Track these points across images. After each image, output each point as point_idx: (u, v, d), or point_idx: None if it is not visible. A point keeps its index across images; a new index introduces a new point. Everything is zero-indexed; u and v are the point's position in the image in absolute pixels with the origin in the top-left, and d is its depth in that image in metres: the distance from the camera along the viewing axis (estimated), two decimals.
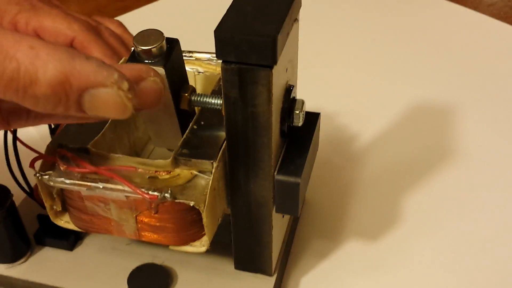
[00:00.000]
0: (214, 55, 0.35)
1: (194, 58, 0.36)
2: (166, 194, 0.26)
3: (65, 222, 0.31)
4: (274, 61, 0.24)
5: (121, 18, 0.65)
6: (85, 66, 0.21)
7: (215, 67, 0.36)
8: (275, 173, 0.28)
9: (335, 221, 0.40)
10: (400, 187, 0.43)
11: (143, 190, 0.26)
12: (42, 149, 0.31)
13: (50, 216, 0.30)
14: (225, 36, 0.24)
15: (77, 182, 0.27)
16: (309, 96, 0.35)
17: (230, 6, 0.26)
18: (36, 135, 0.45)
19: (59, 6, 0.48)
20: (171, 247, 0.30)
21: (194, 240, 0.29)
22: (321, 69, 0.55)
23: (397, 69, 0.56)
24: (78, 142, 0.29)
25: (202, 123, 0.30)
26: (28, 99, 0.20)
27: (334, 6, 0.66)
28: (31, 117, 0.23)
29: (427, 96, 0.52)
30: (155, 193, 0.26)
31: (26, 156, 0.34)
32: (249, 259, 0.33)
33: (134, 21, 0.56)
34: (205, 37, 0.50)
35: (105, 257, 0.34)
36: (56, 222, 0.31)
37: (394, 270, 0.37)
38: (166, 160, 0.28)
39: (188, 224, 0.29)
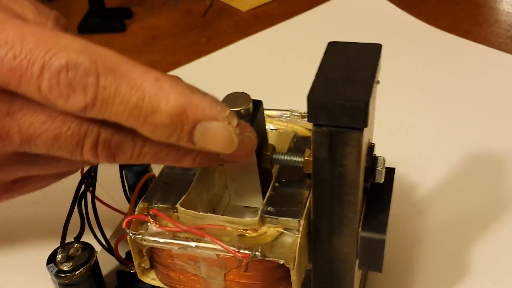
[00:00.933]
0: (284, 111, 0.37)
1: (265, 116, 0.37)
2: (256, 253, 0.27)
3: (151, 279, 0.31)
4: (365, 124, 0.25)
5: (173, 72, 0.68)
6: (202, 101, 0.23)
7: (286, 124, 0.37)
8: (359, 230, 0.29)
9: (403, 273, 0.40)
10: (466, 237, 0.43)
11: (234, 249, 0.27)
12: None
13: (138, 273, 0.31)
14: (319, 101, 0.25)
15: (170, 241, 0.28)
16: None
17: (318, 72, 0.27)
18: (105, 193, 0.46)
19: None
20: None
21: None
22: (376, 118, 0.56)
23: (452, 117, 0.56)
24: (166, 202, 0.30)
25: (283, 180, 0.31)
26: (147, 126, 0.23)
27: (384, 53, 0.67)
28: (134, 155, 0.25)
29: (484, 144, 0.52)
30: (246, 252, 0.27)
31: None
32: None
33: (186, 75, 0.58)
34: (254, 90, 0.52)
35: None
36: (143, 279, 0.32)
37: None
38: (253, 218, 0.29)
39: (274, 281, 0.29)
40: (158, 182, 0.32)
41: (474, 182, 0.48)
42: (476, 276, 0.40)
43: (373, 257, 0.29)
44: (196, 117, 0.23)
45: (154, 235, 0.29)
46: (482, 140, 0.53)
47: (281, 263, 0.28)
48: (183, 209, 0.29)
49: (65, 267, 0.32)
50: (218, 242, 0.27)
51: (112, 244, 0.36)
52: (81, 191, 0.33)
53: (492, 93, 0.59)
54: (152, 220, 0.29)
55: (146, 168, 0.40)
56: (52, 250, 0.34)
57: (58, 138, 0.23)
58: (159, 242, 0.29)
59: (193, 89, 0.23)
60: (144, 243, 0.29)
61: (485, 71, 0.63)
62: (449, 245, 0.42)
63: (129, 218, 0.29)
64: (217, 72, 0.69)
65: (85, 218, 0.33)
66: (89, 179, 0.33)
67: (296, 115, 0.37)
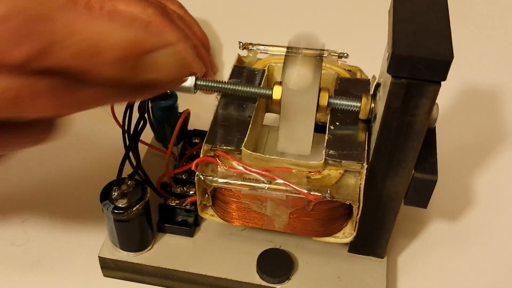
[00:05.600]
0: (322, 51, 0.38)
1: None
2: (326, 194, 0.29)
3: (210, 215, 0.33)
4: (445, 78, 0.26)
5: None
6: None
7: (324, 64, 0.37)
8: (413, 172, 0.31)
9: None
10: (468, 168, 0.47)
11: (306, 191, 0.29)
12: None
13: (198, 210, 0.33)
14: (404, 54, 0.26)
15: (242, 183, 0.29)
16: None
17: (394, 23, 0.28)
18: None
19: None
20: (314, 239, 0.32)
21: (336, 232, 0.32)
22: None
23: None
24: (229, 144, 0.31)
25: (337, 123, 0.33)
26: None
27: None
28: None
29: (477, 79, 0.55)
30: (317, 194, 0.29)
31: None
32: (366, 244, 0.36)
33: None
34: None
35: (226, 243, 0.37)
36: (202, 215, 0.33)
37: (477, 244, 0.41)
38: (318, 161, 0.30)
39: (335, 218, 0.31)
40: (216, 123, 0.32)
41: (467, 115, 0.52)
42: (482, 202, 0.44)
43: (422, 195, 0.32)
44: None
45: (224, 177, 0.30)
46: (472, 74, 0.56)
47: (348, 203, 0.30)
48: (248, 151, 0.30)
49: (121, 203, 0.33)
50: (291, 184, 0.29)
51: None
52: (138, 128, 0.33)
53: (482, 26, 0.62)
54: (220, 162, 0.30)
55: (174, 103, 0.40)
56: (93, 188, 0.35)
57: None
58: (230, 184, 0.30)
59: None
60: (215, 184, 0.30)
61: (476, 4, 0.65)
62: (454, 175, 0.46)
63: (198, 160, 0.30)
64: None
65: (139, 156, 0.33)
66: (144, 117, 0.33)
67: (334, 55, 0.37)
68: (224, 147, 0.31)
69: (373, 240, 0.35)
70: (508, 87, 0.54)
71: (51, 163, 0.44)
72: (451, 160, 0.47)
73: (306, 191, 0.29)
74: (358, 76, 0.37)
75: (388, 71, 0.27)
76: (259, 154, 0.30)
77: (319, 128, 0.35)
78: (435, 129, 0.34)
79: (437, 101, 0.28)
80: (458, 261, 0.40)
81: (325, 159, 0.30)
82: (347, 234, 0.32)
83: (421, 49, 0.26)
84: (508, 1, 0.66)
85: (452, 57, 0.26)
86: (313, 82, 0.30)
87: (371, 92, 0.34)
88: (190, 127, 0.41)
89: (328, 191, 0.29)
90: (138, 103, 0.34)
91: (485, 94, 0.54)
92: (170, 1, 0.55)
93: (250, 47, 0.38)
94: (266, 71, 0.36)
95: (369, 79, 0.36)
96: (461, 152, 0.48)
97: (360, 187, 0.30)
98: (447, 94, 0.53)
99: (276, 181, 0.29)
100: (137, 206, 0.33)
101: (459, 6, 0.65)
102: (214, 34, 0.59)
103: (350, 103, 0.32)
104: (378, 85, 0.32)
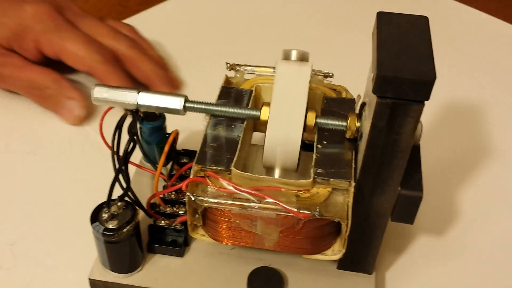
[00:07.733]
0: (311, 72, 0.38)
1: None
2: (315, 213, 0.29)
3: (201, 235, 0.33)
4: (428, 97, 0.27)
5: (145, 12, 0.66)
6: None
7: (310, 84, 0.38)
8: (399, 188, 0.32)
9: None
10: (452, 184, 0.48)
11: (296, 209, 0.29)
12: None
13: (189, 230, 0.33)
14: (388, 75, 0.27)
15: (232, 202, 0.30)
16: None
17: (378, 44, 0.28)
18: None
19: (83, 32, 0.49)
20: (304, 256, 0.33)
21: (325, 250, 0.33)
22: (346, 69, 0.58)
23: None
24: (219, 164, 0.31)
25: (325, 142, 0.33)
26: None
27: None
28: None
29: (458, 96, 0.57)
30: (307, 212, 0.29)
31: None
32: (354, 260, 0.36)
33: (157, 16, 0.57)
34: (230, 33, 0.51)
35: (216, 262, 0.37)
36: (192, 235, 0.33)
37: (463, 258, 0.41)
38: (307, 180, 0.31)
39: (324, 236, 0.32)
40: (205, 144, 0.33)
41: (449, 132, 0.53)
42: (466, 217, 0.44)
43: (408, 212, 0.33)
44: None
45: (214, 197, 0.30)
46: (453, 91, 0.57)
47: (337, 220, 0.30)
48: (237, 171, 0.31)
49: (111, 225, 0.33)
50: (281, 203, 0.29)
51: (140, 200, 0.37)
52: (128, 150, 0.33)
53: (461, 45, 0.63)
54: (210, 182, 0.30)
55: (162, 123, 0.40)
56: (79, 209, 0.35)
57: None
58: (220, 204, 0.30)
59: None
60: (205, 204, 0.30)
61: (452, 24, 0.67)
62: (438, 190, 0.47)
63: (189, 180, 0.30)
64: (191, 14, 0.67)
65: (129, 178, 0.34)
66: (134, 139, 0.33)
67: (320, 75, 0.38)
68: (214, 167, 0.31)
69: (362, 256, 0.36)
70: (488, 103, 0.56)
71: (40, 185, 0.44)
72: (436, 176, 0.48)
73: (295, 210, 0.29)
74: (344, 95, 0.38)
75: (373, 91, 0.28)
76: (248, 173, 0.31)
77: (307, 146, 0.36)
78: (420, 146, 0.35)
79: (420, 118, 0.29)
80: (445, 274, 0.40)
81: (314, 178, 0.31)
82: (336, 251, 0.33)
83: (405, 70, 0.27)
84: (487, 20, 0.68)
85: (435, 77, 0.26)
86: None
87: (357, 111, 0.35)
88: (179, 147, 0.41)
89: (317, 209, 0.30)
90: (128, 124, 0.34)
91: (467, 110, 0.55)
92: (122, 25, 0.55)
93: (237, 67, 0.39)
94: (253, 92, 0.37)
95: (354, 98, 0.37)
96: (445, 168, 0.49)
97: (348, 205, 0.30)
98: (430, 111, 0.54)
99: (266, 200, 0.30)
100: (127, 227, 0.33)
101: (439, 26, 0.66)
102: (201, 55, 0.60)
103: (336, 122, 0.32)
104: (363, 105, 0.33)
